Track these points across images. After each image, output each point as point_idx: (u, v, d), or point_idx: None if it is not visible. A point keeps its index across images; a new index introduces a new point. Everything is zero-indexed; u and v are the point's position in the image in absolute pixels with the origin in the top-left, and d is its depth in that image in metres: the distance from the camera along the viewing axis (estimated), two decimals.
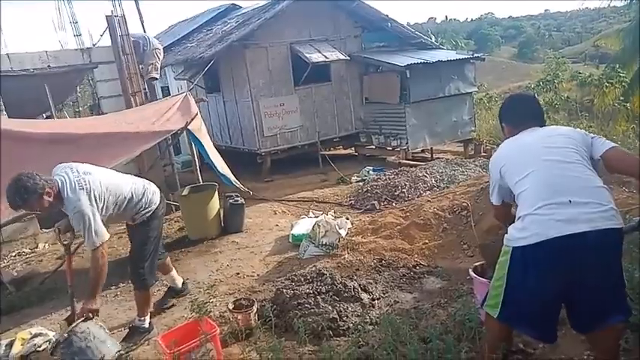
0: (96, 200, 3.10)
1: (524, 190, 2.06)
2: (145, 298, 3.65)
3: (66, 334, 2.86)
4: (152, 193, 3.60)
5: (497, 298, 2.13)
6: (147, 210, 3.53)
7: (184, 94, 6.09)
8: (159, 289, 4.45)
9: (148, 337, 3.60)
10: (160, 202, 3.67)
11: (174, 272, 4.28)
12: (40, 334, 3.68)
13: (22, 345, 3.56)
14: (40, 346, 3.63)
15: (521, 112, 2.41)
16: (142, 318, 3.62)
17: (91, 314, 3.03)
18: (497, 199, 2.38)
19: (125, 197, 3.37)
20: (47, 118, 8.46)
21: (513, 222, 2.16)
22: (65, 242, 3.30)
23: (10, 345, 3.56)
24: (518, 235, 2.02)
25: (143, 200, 3.49)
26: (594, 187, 2.00)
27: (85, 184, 3.08)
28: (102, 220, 3.13)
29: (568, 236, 1.88)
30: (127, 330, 3.68)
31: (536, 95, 2.58)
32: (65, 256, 3.46)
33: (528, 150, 2.17)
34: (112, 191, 3.26)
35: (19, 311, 4.46)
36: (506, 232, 2.14)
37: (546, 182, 2.02)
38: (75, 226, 3.10)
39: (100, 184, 3.17)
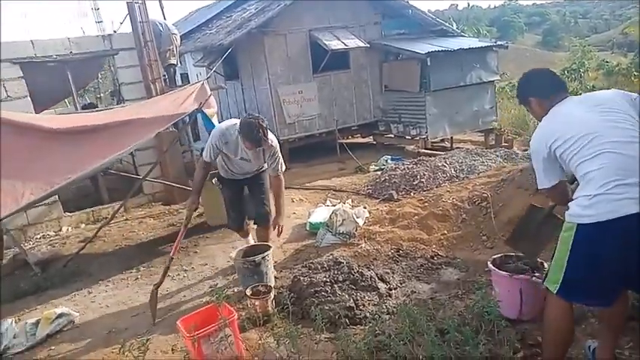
0: None
1: (592, 170, 2.03)
2: (268, 233, 4.26)
3: (261, 257, 3.75)
4: None
5: (558, 273, 2.13)
6: (263, 166, 4.23)
7: (201, 82, 6.11)
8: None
9: None
10: None
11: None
12: (64, 315, 3.80)
13: (47, 324, 3.69)
14: (64, 326, 3.76)
15: (549, 83, 2.36)
16: None
17: (281, 229, 4.03)
18: (550, 180, 2.27)
19: None
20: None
21: (569, 200, 2.16)
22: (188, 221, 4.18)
23: (37, 324, 3.68)
24: (585, 212, 2.01)
25: None
26: None
27: None
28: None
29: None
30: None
31: None
32: (183, 229, 4.11)
33: (590, 127, 2.10)
34: None
35: (44, 292, 4.60)
36: (567, 209, 2.13)
37: (618, 163, 2.00)
38: (272, 157, 3.96)
39: None
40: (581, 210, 2.04)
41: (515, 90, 2.61)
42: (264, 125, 3.66)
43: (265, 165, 4.18)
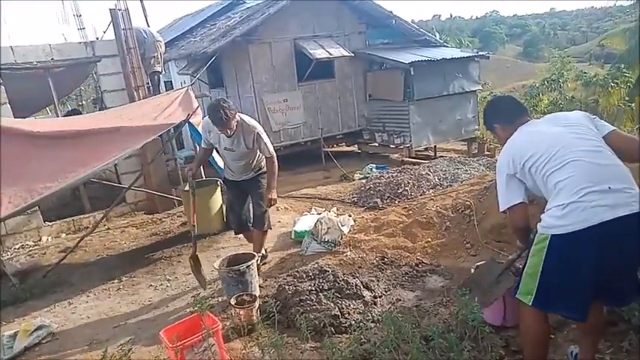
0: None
1: (562, 180, 2.07)
2: (263, 237, 4.46)
3: (245, 266, 3.75)
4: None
5: (531, 283, 2.14)
6: (262, 167, 4.35)
7: (185, 88, 6.08)
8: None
9: (265, 262, 4.68)
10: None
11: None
12: (43, 326, 3.71)
13: (25, 336, 3.59)
14: (43, 338, 3.67)
15: (512, 109, 2.48)
16: (260, 252, 4.39)
17: (273, 202, 4.13)
18: (511, 199, 2.26)
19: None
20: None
21: (528, 227, 2.22)
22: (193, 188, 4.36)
23: (14, 336, 3.59)
24: (559, 222, 2.03)
25: (262, 160, 4.34)
26: (624, 172, 2.07)
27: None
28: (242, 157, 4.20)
29: (613, 220, 1.94)
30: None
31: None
32: (191, 197, 4.33)
33: (558, 140, 2.17)
34: None
35: (23, 303, 4.48)
36: (538, 222, 2.15)
37: (587, 171, 2.05)
38: (257, 141, 4.05)
39: None
40: (555, 220, 2.05)
41: (482, 118, 2.71)
42: (225, 105, 3.79)
43: (264, 167, 4.30)
